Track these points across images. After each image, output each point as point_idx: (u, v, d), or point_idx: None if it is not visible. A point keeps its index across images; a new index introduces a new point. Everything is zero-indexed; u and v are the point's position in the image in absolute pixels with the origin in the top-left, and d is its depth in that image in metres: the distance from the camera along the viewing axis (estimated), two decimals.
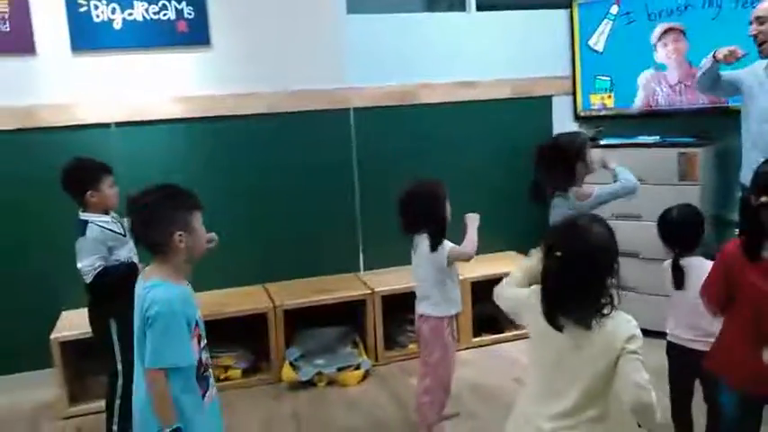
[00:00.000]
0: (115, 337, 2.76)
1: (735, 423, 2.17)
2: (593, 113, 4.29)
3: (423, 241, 2.78)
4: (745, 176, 3.07)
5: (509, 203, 3.99)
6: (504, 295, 2.03)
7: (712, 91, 3.32)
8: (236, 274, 3.83)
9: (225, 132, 3.79)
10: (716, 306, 2.24)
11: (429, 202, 2.73)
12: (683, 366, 2.62)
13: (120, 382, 2.76)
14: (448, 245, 2.76)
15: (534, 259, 1.94)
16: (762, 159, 2.95)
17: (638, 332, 1.71)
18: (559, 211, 2.80)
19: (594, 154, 2.85)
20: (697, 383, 2.60)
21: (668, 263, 2.65)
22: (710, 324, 2.48)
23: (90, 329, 2.88)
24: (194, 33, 3.71)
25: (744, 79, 3.11)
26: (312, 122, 3.90)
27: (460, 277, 2.95)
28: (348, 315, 3.84)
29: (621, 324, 1.72)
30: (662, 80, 3.99)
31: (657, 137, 3.85)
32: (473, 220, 2.81)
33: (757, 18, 2.95)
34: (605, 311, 1.71)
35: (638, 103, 4.11)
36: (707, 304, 2.27)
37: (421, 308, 2.84)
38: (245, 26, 3.75)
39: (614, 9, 4.07)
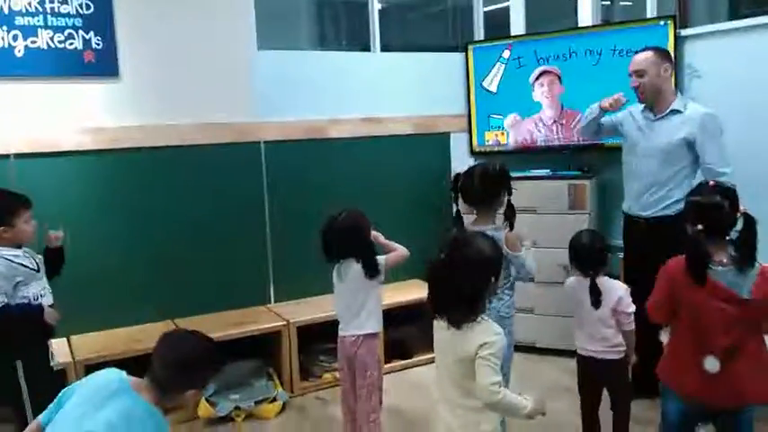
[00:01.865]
0: (23, 382, 2.61)
1: (674, 429, 2.39)
2: (488, 149, 4.59)
3: (351, 266, 2.87)
4: (627, 205, 3.48)
5: (414, 233, 4.11)
6: None
7: (596, 135, 3.67)
8: (144, 311, 3.72)
9: (134, 164, 3.70)
10: (662, 320, 2.46)
11: (359, 230, 2.85)
12: (593, 376, 2.87)
13: None
14: (381, 258, 2.92)
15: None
16: (641, 189, 3.34)
17: (495, 339, 1.96)
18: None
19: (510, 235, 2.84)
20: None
21: (570, 282, 2.91)
22: (615, 336, 2.77)
23: None
24: (102, 64, 3.62)
25: (623, 121, 3.49)
26: (223, 155, 3.90)
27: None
28: (259, 348, 3.83)
29: (480, 331, 1.98)
30: (538, 120, 4.37)
31: (548, 170, 4.20)
32: (380, 236, 2.99)
33: (636, 72, 3.30)
34: (474, 317, 1.98)
35: (512, 141, 4.48)
36: (652, 318, 2.46)
37: (351, 330, 2.92)
38: (156, 58, 3.71)
39: (506, 53, 4.42)
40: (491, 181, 2.76)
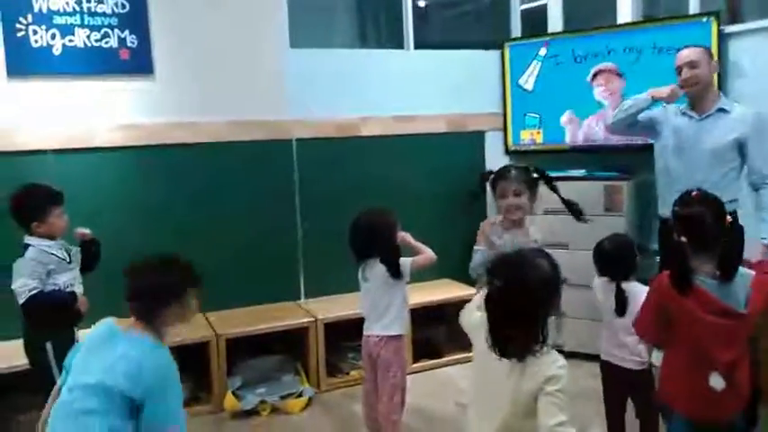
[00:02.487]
0: (53, 362, 2.70)
1: None
2: (523, 148, 4.52)
3: (376, 266, 2.87)
4: (667, 210, 3.32)
5: (445, 233, 4.12)
6: (463, 318, 2.14)
7: (629, 130, 3.50)
8: None
9: (166, 161, 3.78)
10: (651, 339, 2.39)
11: (382, 229, 2.84)
12: (617, 384, 2.79)
13: None
14: (407, 260, 2.89)
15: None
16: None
17: (562, 372, 1.76)
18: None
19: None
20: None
21: (598, 283, 2.84)
22: (638, 345, 2.68)
23: (25, 358, 2.83)
24: (137, 62, 3.70)
25: (660, 120, 3.34)
26: (255, 152, 3.94)
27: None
28: (287, 343, 3.86)
29: (546, 363, 1.76)
30: (600, 118, 4.21)
31: (584, 171, 4.10)
32: (408, 237, 2.95)
33: (689, 63, 3.15)
34: (537, 346, 1.75)
35: (567, 139, 4.36)
36: (641, 337, 2.43)
37: (376, 330, 2.92)
38: (189, 56, 3.78)
39: (543, 51, 4.34)
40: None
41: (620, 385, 2.79)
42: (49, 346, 2.72)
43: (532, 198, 2.92)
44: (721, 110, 3.14)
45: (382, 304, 2.88)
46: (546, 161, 4.39)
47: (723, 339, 2.13)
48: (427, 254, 2.91)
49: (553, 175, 4.09)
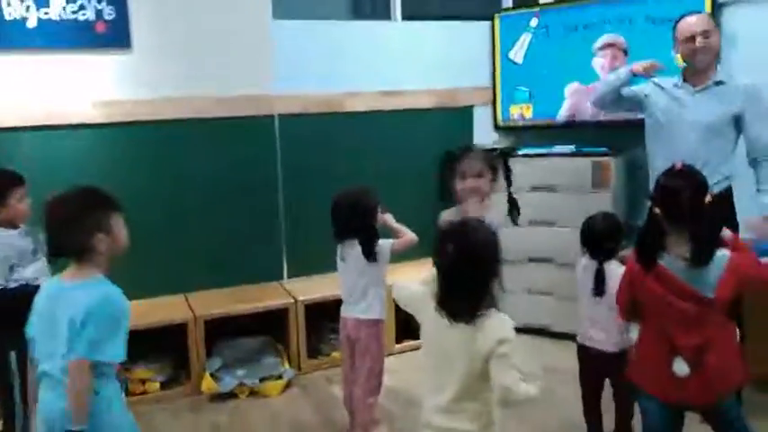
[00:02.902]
0: (16, 372, 2.58)
1: (657, 429, 2.23)
2: (512, 124, 4.40)
3: (354, 248, 2.79)
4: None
5: (434, 210, 4.01)
6: (400, 294, 2.17)
7: (613, 106, 3.37)
8: (156, 284, 3.72)
9: (145, 138, 3.68)
10: (624, 315, 2.34)
11: (361, 209, 2.75)
12: (593, 367, 2.73)
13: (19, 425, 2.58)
14: (387, 242, 2.81)
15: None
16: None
17: (511, 334, 1.81)
18: None
19: None
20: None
21: (583, 264, 2.76)
22: (615, 327, 2.61)
23: None
24: (114, 35, 3.58)
25: (650, 93, 3.19)
26: (236, 128, 3.84)
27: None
28: (271, 323, 3.80)
29: (496, 325, 1.82)
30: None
31: (573, 146, 3.99)
32: (389, 219, 2.87)
33: (703, 32, 2.98)
34: (485, 310, 1.83)
35: (564, 112, 4.21)
36: (619, 313, 2.37)
37: (355, 313, 2.85)
38: (168, 29, 3.66)
39: (534, 22, 4.20)
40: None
41: (596, 368, 2.73)
42: (12, 355, 2.57)
43: (493, 181, 2.76)
44: (719, 82, 3.00)
45: (359, 286, 2.81)
46: (535, 137, 4.32)
47: (688, 323, 2.06)
48: (407, 236, 2.82)
49: (541, 151, 4.04)
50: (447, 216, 2.61)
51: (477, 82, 4.44)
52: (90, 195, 1.99)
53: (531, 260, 4.03)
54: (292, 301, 3.69)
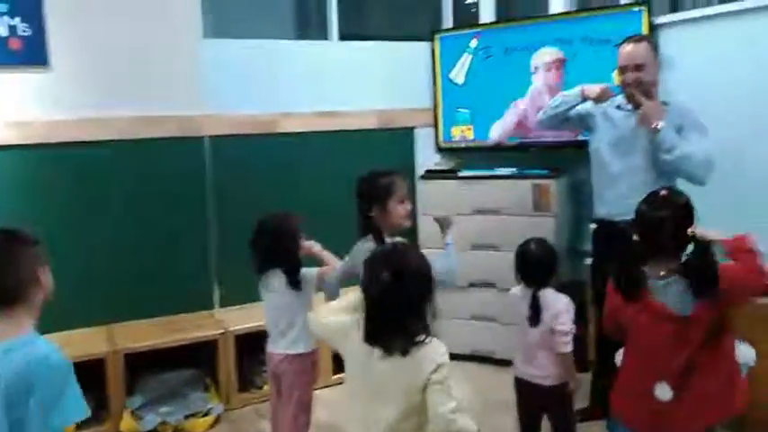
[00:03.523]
0: None
1: None
2: (454, 145, 4.31)
3: (276, 278, 2.64)
4: (605, 210, 3.08)
5: None
6: (318, 325, 2.04)
7: (561, 126, 3.31)
8: (75, 316, 3.47)
9: (64, 160, 3.47)
10: (614, 337, 2.22)
11: (280, 236, 2.61)
12: (531, 401, 2.61)
13: None
14: (312, 271, 2.66)
15: (352, 295, 1.95)
16: (626, 191, 2.94)
17: (445, 359, 1.74)
18: None
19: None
20: None
21: (513, 292, 2.65)
22: (554, 362, 2.49)
23: None
24: (30, 52, 3.37)
25: (594, 114, 3.13)
26: (162, 150, 3.65)
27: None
28: (200, 356, 3.59)
29: (431, 352, 1.73)
30: (534, 104, 3.97)
31: (514, 169, 3.91)
32: (314, 246, 2.72)
33: (636, 65, 2.90)
34: (419, 338, 1.74)
35: (506, 133, 4.12)
36: (608, 335, 2.26)
37: (280, 348, 2.69)
38: (90, 47, 3.47)
39: (473, 43, 4.12)
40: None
41: (533, 402, 2.61)
42: None
43: None
44: (662, 103, 2.93)
45: (284, 320, 2.65)
46: (477, 159, 4.23)
47: (670, 346, 1.96)
48: (332, 265, 2.68)
49: (481, 173, 3.95)
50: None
51: (418, 103, 4.34)
52: (16, 238, 1.78)
53: (473, 285, 3.91)
54: (221, 331, 3.49)
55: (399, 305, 1.75)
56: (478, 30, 4.16)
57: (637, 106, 2.91)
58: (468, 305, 3.94)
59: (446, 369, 1.73)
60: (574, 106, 3.15)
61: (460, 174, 3.98)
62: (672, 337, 1.95)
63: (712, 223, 2.96)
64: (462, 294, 3.94)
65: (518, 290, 2.63)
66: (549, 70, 3.90)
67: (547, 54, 3.89)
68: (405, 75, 4.28)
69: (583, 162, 3.34)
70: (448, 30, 4.40)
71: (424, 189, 4.04)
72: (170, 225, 3.70)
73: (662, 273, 1.96)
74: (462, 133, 4.26)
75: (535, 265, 2.56)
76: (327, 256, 2.71)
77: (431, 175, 4.09)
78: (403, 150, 4.34)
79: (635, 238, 2.02)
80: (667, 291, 1.96)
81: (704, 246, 1.94)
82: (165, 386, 3.45)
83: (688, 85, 3.36)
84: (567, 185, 3.85)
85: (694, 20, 3.41)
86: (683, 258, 1.98)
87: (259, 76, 3.87)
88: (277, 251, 2.64)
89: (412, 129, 4.36)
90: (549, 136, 3.87)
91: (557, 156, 3.92)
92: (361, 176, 2.58)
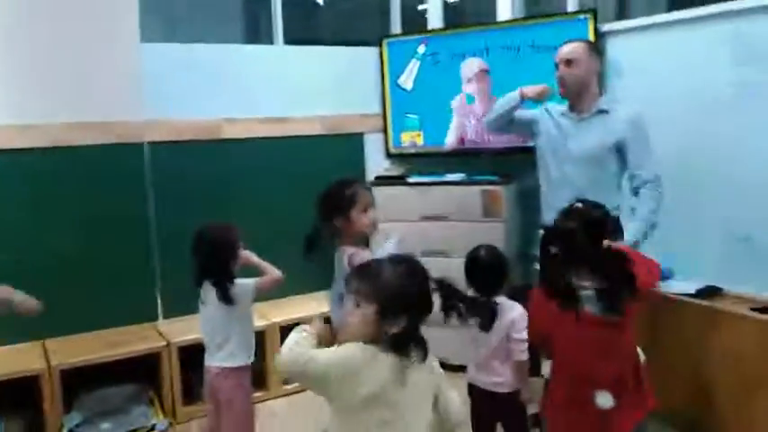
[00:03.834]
0: None
1: None
2: (404, 151, 4.28)
3: (210, 290, 2.56)
4: (550, 217, 3.02)
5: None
6: (334, 354, 1.68)
7: (506, 129, 3.32)
8: (8, 330, 3.32)
9: None
10: (538, 346, 2.20)
11: (217, 248, 2.53)
12: (484, 407, 2.58)
13: None
14: (250, 282, 2.58)
15: (317, 323, 1.82)
16: (570, 199, 3.00)
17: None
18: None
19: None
20: None
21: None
22: (509, 370, 2.46)
23: None
24: None
25: (539, 119, 3.15)
26: (100, 157, 3.51)
27: (270, 321, 2.91)
28: (144, 370, 3.47)
29: (432, 361, 1.77)
30: (470, 113, 4.03)
31: (464, 175, 3.89)
32: (251, 256, 2.66)
33: (566, 60, 2.95)
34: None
35: (452, 135, 4.11)
36: (533, 344, 2.24)
37: (215, 361, 2.62)
38: (23, 51, 3.31)
39: (421, 49, 4.10)
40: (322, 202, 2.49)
41: (487, 409, 2.57)
42: None
43: None
44: (601, 111, 2.95)
45: (221, 332, 2.58)
46: (427, 165, 4.21)
47: (603, 352, 1.94)
48: (271, 275, 2.61)
49: (430, 179, 3.93)
50: (358, 254, 2.33)
51: (367, 109, 4.29)
52: None
53: None
54: (164, 344, 3.37)
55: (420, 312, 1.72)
56: (426, 36, 4.15)
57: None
58: None
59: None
60: (515, 107, 3.16)
61: (409, 180, 3.94)
62: (604, 345, 1.95)
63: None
64: None
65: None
66: (480, 81, 3.95)
67: (474, 64, 3.94)
68: (353, 80, 4.24)
69: (532, 167, 3.36)
70: (396, 35, 4.37)
71: (374, 195, 3.97)
72: (110, 235, 3.56)
73: (585, 282, 1.95)
74: (412, 139, 4.23)
75: (485, 272, 2.54)
76: (264, 265, 2.65)
77: (380, 181, 4.05)
78: (352, 157, 4.28)
79: (553, 249, 2.00)
80: (594, 299, 1.95)
81: (621, 256, 1.95)
82: (106, 402, 3.32)
83: (635, 93, 3.41)
84: (516, 191, 3.85)
85: (642, 28, 3.45)
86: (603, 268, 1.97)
87: (201, 80, 3.76)
88: (212, 264, 2.57)
89: (361, 135, 4.32)
90: (499, 142, 3.89)
91: (507, 162, 3.92)
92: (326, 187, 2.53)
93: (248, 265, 2.66)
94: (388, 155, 4.33)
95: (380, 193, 3.96)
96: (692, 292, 2.99)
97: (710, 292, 2.99)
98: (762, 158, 2.94)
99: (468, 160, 4.05)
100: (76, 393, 3.30)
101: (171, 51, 3.72)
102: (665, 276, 3.22)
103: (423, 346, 1.70)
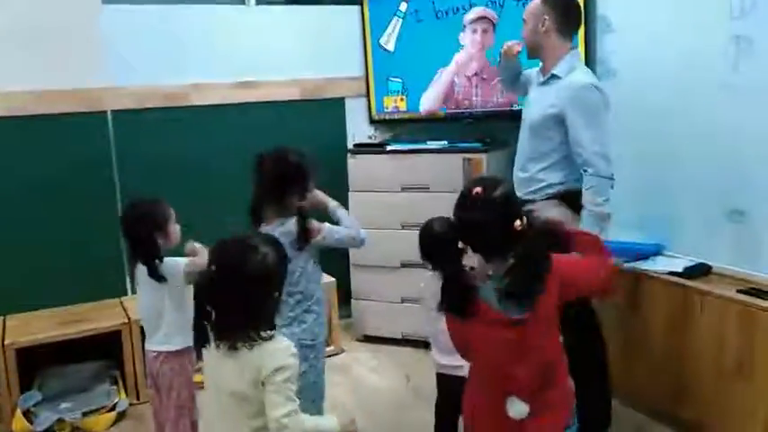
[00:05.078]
0: None
1: None
2: (388, 117, 4.04)
3: (144, 270, 2.40)
4: None
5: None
6: None
7: (513, 88, 3.05)
8: None
9: None
10: (459, 349, 1.97)
11: (138, 223, 2.36)
12: (448, 395, 2.40)
13: None
14: (180, 261, 2.40)
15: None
16: (516, 166, 2.78)
17: (292, 361, 1.65)
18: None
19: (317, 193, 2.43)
20: None
21: (425, 280, 2.43)
22: None
23: None
24: None
25: (530, 80, 2.87)
26: (61, 127, 3.37)
27: None
28: (107, 348, 3.36)
29: (271, 353, 1.64)
30: (460, 71, 3.76)
31: (445, 142, 3.65)
32: (194, 247, 2.46)
33: (524, 20, 2.70)
34: (254, 337, 1.63)
35: (435, 103, 3.87)
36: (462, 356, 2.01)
37: (153, 345, 2.46)
38: None
39: (403, 6, 3.83)
40: (277, 174, 2.24)
41: (451, 397, 2.38)
42: None
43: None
44: (554, 76, 2.62)
45: (154, 312, 2.42)
46: (413, 130, 3.98)
47: (511, 355, 1.71)
48: (201, 256, 2.42)
49: (413, 147, 3.70)
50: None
51: (348, 72, 4.05)
52: None
53: (405, 265, 3.69)
54: (125, 320, 3.25)
55: (220, 300, 1.67)
56: None
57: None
58: (399, 287, 3.72)
59: (290, 371, 1.63)
60: (508, 67, 2.93)
61: (389, 148, 3.72)
62: (511, 345, 1.71)
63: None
64: (392, 275, 3.73)
65: (429, 277, 2.40)
66: (476, 32, 3.65)
67: (474, 13, 3.65)
68: (332, 41, 3.99)
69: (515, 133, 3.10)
70: None
71: (353, 164, 3.79)
72: (74, 208, 3.44)
73: (489, 273, 1.72)
74: (395, 104, 3.99)
75: (438, 246, 2.32)
76: (197, 247, 2.46)
77: (358, 149, 3.83)
78: (333, 123, 4.06)
79: (459, 244, 1.74)
80: (498, 293, 1.71)
81: (533, 239, 1.70)
82: (70, 380, 3.24)
83: (626, 51, 3.13)
84: (501, 159, 3.59)
85: None
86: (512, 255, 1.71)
87: (167, 44, 3.57)
88: (140, 241, 2.40)
89: (342, 99, 4.08)
90: (485, 105, 3.65)
91: (494, 126, 3.67)
92: (275, 155, 2.36)
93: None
94: (372, 121, 4.10)
95: (359, 162, 3.79)
96: (680, 270, 2.74)
97: (699, 270, 2.73)
98: (763, 124, 2.62)
99: (453, 126, 3.80)
100: (38, 372, 3.22)
101: (133, 12, 3.51)
102: (653, 252, 2.99)
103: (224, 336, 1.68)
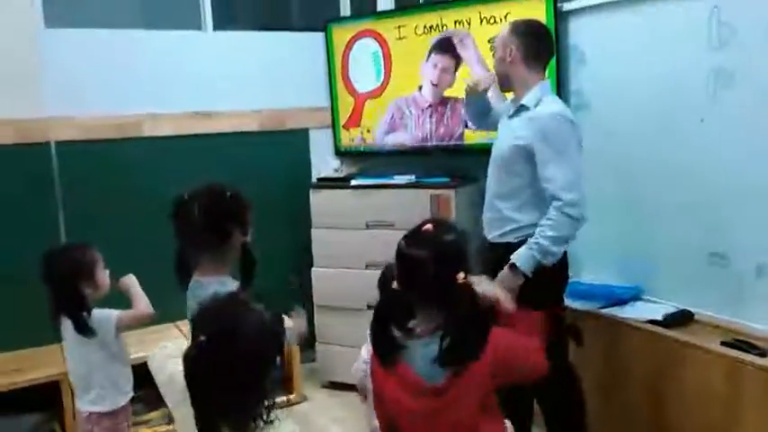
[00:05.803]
0: None
1: None
2: (354, 149, 3.85)
3: (69, 324, 2.19)
4: None
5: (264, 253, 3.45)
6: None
7: (481, 124, 2.89)
8: None
9: None
10: (374, 393, 1.77)
11: (64, 274, 2.15)
12: None
13: None
14: (113, 314, 2.22)
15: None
16: (486, 205, 2.62)
17: None
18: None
19: None
20: None
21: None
22: None
23: None
24: None
25: (502, 113, 2.71)
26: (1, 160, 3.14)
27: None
28: (49, 398, 3.10)
29: None
30: (412, 103, 3.59)
31: (413, 176, 3.47)
32: (131, 282, 2.31)
33: (493, 50, 2.57)
34: (264, 417, 1.35)
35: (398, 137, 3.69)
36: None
37: (84, 405, 2.26)
38: None
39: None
40: (218, 213, 1.96)
41: None
42: None
43: None
44: (522, 107, 2.46)
45: (84, 370, 2.22)
46: (380, 164, 3.79)
47: (420, 425, 1.55)
48: (139, 309, 2.22)
49: (378, 182, 3.51)
50: None
51: (312, 101, 3.87)
52: None
53: (371, 307, 3.45)
54: (63, 371, 2.98)
55: (217, 374, 1.33)
56: (375, 18, 3.70)
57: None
58: (365, 330, 3.47)
59: None
60: (471, 103, 2.77)
61: (353, 182, 3.53)
62: (422, 415, 1.54)
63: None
64: (358, 317, 3.51)
65: None
66: (435, 67, 3.49)
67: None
68: (296, 69, 3.81)
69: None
70: (342, 19, 3.92)
71: (316, 200, 3.59)
72: (14, 247, 3.18)
73: (420, 329, 1.54)
74: (362, 136, 3.80)
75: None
76: (140, 297, 2.25)
77: (322, 184, 3.63)
78: (296, 155, 3.87)
79: (394, 284, 1.60)
80: (422, 353, 1.54)
81: (469, 299, 1.53)
82: None
83: (598, 82, 2.97)
84: (471, 194, 3.40)
85: (608, 3, 2.96)
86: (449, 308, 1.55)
87: (118, 71, 3.38)
88: (64, 292, 2.23)
89: (306, 130, 3.89)
90: (456, 139, 3.48)
91: (466, 160, 3.48)
92: (208, 192, 2.06)
93: (123, 292, 2.27)
94: (338, 153, 3.91)
95: (322, 197, 3.59)
96: (659, 318, 2.55)
97: (680, 318, 2.55)
98: (744, 161, 2.46)
99: (426, 159, 3.61)
100: None
101: (80, 37, 3.31)
102: (631, 296, 2.81)
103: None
